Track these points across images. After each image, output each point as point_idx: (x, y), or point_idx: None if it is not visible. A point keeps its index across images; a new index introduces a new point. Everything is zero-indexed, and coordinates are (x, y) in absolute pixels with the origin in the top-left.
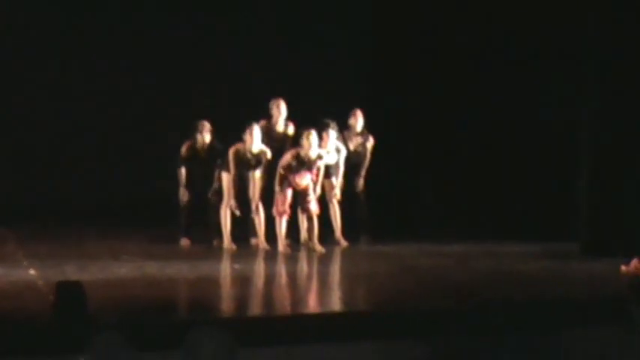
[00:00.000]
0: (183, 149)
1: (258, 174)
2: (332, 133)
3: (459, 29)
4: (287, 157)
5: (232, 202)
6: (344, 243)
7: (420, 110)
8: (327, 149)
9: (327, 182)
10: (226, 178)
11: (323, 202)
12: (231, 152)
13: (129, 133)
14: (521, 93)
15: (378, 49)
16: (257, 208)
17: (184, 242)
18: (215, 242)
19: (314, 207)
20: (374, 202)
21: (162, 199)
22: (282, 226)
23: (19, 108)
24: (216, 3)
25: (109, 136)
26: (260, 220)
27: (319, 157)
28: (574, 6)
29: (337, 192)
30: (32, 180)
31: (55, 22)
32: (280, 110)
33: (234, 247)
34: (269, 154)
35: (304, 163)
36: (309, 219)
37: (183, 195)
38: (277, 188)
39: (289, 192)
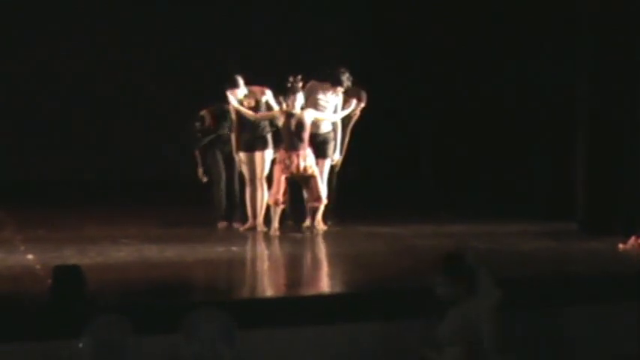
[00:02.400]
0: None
1: (266, 154)
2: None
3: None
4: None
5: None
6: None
7: (418, 89)
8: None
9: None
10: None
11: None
12: None
13: (128, 117)
14: (521, 69)
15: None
16: (261, 188)
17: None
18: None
19: (324, 199)
20: (372, 183)
21: (162, 182)
22: (277, 213)
23: (16, 91)
24: None
25: (109, 119)
26: (263, 200)
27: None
28: None
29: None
30: (30, 164)
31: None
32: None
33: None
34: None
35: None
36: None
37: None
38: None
39: (282, 179)
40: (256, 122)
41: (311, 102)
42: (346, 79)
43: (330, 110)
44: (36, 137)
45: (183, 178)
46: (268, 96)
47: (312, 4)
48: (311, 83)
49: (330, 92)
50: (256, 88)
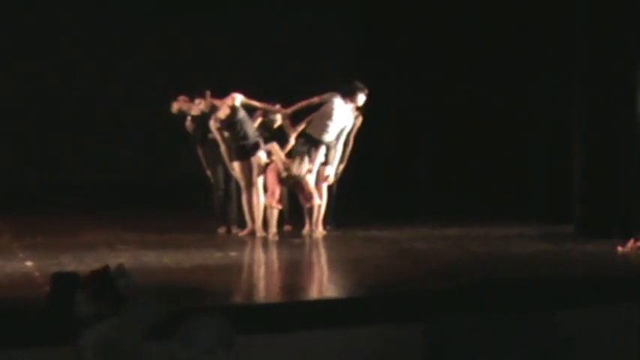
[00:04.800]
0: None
1: (261, 158)
2: None
3: (449, 16)
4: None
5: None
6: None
7: (416, 92)
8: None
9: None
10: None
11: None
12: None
13: (124, 122)
14: (516, 72)
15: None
16: (257, 193)
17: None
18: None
19: (317, 198)
20: (369, 187)
21: (159, 187)
22: (274, 216)
23: (13, 97)
24: None
25: (105, 126)
26: (259, 205)
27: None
28: None
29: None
30: (27, 171)
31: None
32: None
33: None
34: None
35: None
36: (311, 209)
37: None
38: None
39: (277, 181)
40: (248, 129)
41: (326, 112)
42: (364, 94)
43: (342, 124)
44: (33, 144)
45: (181, 184)
46: (239, 98)
47: (310, 5)
48: (332, 95)
49: (349, 105)
50: (223, 100)
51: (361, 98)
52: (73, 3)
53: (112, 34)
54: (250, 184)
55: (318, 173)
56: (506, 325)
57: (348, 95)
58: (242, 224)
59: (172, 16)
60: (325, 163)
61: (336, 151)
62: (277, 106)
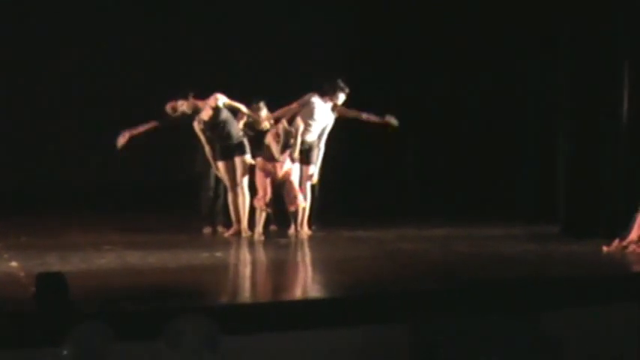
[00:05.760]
0: None
1: (246, 158)
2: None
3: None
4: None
5: None
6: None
7: (402, 91)
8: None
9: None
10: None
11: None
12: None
13: (109, 123)
14: (503, 74)
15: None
16: (242, 193)
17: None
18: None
19: (301, 201)
20: (354, 188)
21: (145, 187)
22: (261, 217)
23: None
24: None
25: (90, 126)
26: (245, 205)
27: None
28: None
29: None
30: (12, 172)
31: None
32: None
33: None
34: None
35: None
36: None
37: None
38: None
39: (267, 183)
40: (232, 129)
41: (307, 112)
42: (344, 94)
43: (324, 122)
44: (18, 144)
45: (166, 184)
46: (222, 99)
47: (298, 7)
48: (310, 95)
49: (328, 104)
50: (205, 101)
51: (341, 97)
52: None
53: (107, 35)
54: (235, 184)
55: (302, 173)
56: (493, 326)
57: (328, 94)
58: (228, 224)
59: (166, 18)
60: (308, 163)
61: (319, 150)
62: (263, 111)
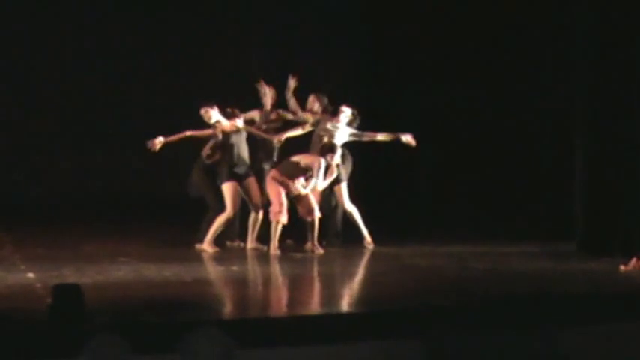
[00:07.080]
0: None
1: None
2: None
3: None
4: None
5: None
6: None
7: (416, 106)
8: None
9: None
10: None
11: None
12: None
13: (125, 134)
14: (517, 89)
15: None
16: (257, 207)
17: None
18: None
19: (317, 212)
20: (372, 203)
21: (161, 200)
22: (277, 230)
23: (14, 107)
24: None
25: (107, 137)
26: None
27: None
28: None
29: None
30: (29, 183)
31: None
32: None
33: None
34: None
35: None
36: (312, 223)
37: None
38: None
39: (283, 195)
40: (241, 150)
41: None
42: (346, 116)
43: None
44: (34, 155)
45: (183, 196)
46: (215, 115)
47: (309, 17)
48: (316, 120)
49: (336, 124)
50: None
51: (344, 118)
52: (75, 10)
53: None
54: (251, 204)
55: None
56: (507, 342)
57: (333, 116)
58: (243, 237)
59: (170, 24)
60: (339, 182)
61: (341, 167)
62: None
